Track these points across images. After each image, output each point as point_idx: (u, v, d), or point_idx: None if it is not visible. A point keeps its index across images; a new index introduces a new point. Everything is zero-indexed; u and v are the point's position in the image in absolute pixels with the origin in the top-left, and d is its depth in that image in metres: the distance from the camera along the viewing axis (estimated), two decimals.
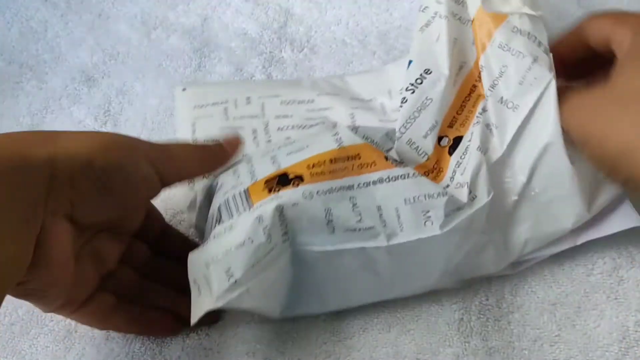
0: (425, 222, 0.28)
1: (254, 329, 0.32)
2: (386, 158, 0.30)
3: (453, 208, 0.29)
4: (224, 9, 0.48)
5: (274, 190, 0.28)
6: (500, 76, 0.31)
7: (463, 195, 0.29)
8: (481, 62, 0.32)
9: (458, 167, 0.31)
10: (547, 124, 0.29)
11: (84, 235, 0.28)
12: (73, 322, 0.34)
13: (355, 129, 0.32)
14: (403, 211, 0.28)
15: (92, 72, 0.46)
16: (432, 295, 0.32)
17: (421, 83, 0.33)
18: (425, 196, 0.28)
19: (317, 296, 0.31)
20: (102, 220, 0.28)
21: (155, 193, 0.30)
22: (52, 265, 0.26)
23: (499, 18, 0.32)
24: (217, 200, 0.30)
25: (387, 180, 0.29)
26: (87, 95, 0.44)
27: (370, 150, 0.30)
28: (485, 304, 0.32)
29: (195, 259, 0.28)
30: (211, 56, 0.45)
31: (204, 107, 0.37)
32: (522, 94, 0.30)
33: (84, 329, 0.34)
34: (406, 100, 0.32)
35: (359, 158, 0.29)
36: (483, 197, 0.29)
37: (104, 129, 0.43)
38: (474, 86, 0.33)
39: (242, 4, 0.47)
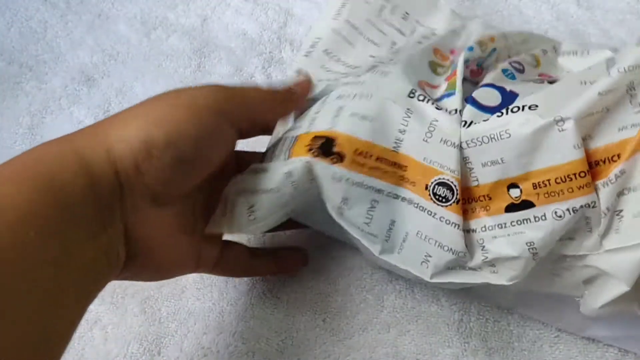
0: (422, 262, 0.28)
1: (254, 329, 0.33)
2: (426, 187, 0.27)
3: (455, 265, 0.28)
4: (223, 9, 0.48)
5: (312, 154, 0.27)
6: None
7: (475, 258, 0.27)
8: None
9: (495, 229, 0.27)
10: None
11: (183, 202, 0.27)
12: None
13: (427, 99, 0.28)
14: (410, 239, 0.28)
15: (92, 72, 0.46)
16: (431, 296, 0.32)
17: (513, 112, 0.26)
18: (435, 242, 0.27)
19: (326, 219, 0.30)
20: (190, 186, 0.26)
21: (233, 142, 0.28)
22: (154, 252, 0.26)
23: None
24: (284, 132, 0.31)
25: (415, 205, 0.28)
26: (87, 96, 0.45)
27: (418, 170, 0.28)
28: (484, 304, 0.32)
29: (233, 182, 0.29)
30: (211, 56, 0.45)
31: None
32: None
33: (83, 330, 0.34)
34: (487, 119, 0.27)
35: (405, 170, 0.28)
36: (502, 279, 0.27)
37: None
38: (597, 163, 0.25)
39: (242, 4, 0.47)
